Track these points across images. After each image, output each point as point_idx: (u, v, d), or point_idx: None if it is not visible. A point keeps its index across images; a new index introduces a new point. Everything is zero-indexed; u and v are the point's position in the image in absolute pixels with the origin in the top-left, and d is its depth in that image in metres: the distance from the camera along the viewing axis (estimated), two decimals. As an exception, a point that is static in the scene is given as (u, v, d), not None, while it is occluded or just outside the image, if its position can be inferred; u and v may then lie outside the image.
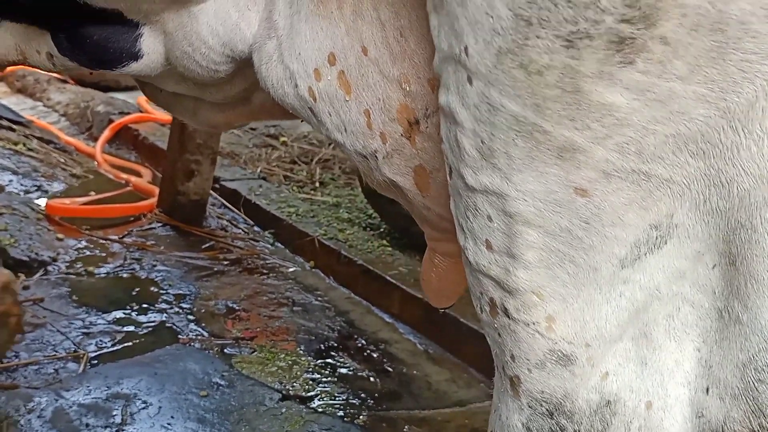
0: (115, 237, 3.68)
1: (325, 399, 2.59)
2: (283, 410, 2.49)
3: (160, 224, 3.90)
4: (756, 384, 0.66)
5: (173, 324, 2.97)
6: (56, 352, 2.66)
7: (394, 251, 3.57)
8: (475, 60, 0.66)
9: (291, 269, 3.55)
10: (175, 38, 0.97)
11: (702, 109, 0.61)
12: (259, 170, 4.63)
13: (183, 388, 2.56)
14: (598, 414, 0.72)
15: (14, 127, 4.88)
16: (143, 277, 3.33)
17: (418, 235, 3.95)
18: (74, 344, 2.71)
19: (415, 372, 2.82)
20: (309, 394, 2.60)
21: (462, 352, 2.92)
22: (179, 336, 2.89)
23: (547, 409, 0.73)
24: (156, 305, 3.10)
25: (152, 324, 2.95)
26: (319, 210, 4.05)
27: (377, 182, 0.92)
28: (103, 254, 3.51)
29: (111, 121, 5.24)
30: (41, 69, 1.10)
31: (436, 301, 1.03)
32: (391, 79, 0.83)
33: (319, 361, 2.82)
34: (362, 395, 2.63)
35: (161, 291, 3.23)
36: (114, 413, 2.40)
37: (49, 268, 3.23)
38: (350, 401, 2.59)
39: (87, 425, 2.35)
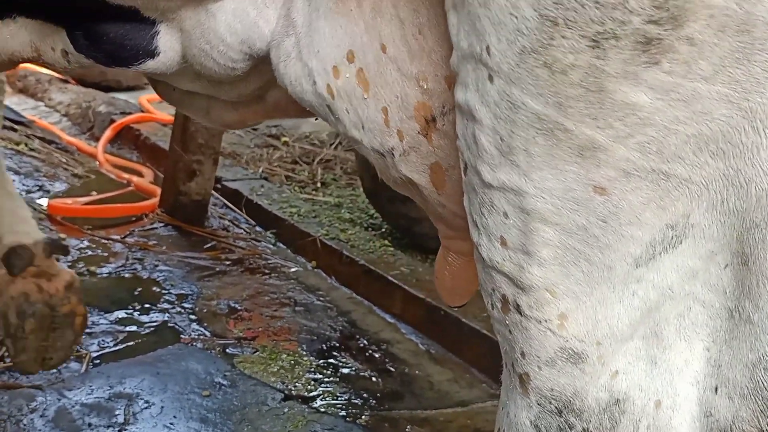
0: (117, 237, 3.69)
1: (327, 399, 2.59)
2: (286, 410, 2.50)
3: (161, 224, 3.90)
4: (765, 383, 0.67)
5: (175, 324, 2.97)
6: (58, 351, 2.66)
7: (395, 251, 3.57)
8: (497, 59, 0.66)
9: (293, 269, 3.56)
10: (192, 36, 0.97)
11: (724, 109, 0.62)
12: (260, 170, 4.63)
13: (185, 387, 2.56)
14: (607, 412, 0.72)
15: (16, 127, 4.89)
16: (145, 277, 3.34)
17: (419, 235, 3.96)
18: (76, 344, 2.71)
19: (417, 372, 2.82)
20: (311, 394, 2.61)
21: (464, 352, 2.92)
22: (181, 336, 2.89)
23: (556, 407, 0.73)
24: (158, 305, 3.10)
25: (154, 324, 2.96)
26: (320, 210, 4.05)
27: (393, 180, 0.93)
28: (105, 254, 3.52)
29: (112, 121, 5.24)
30: (56, 66, 1.10)
31: (450, 299, 1.03)
32: (409, 77, 0.83)
33: (321, 361, 2.82)
34: (364, 395, 2.64)
35: (163, 291, 3.23)
36: (116, 413, 2.40)
37: (51, 267, 3.22)
38: (352, 401, 2.59)
39: (89, 425, 2.35)
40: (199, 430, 2.36)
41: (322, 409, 2.52)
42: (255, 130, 5.47)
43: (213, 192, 4.09)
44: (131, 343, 2.80)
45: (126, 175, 4.48)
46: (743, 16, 0.59)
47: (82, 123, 5.53)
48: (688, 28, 0.60)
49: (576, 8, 0.62)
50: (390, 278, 3.27)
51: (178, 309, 3.09)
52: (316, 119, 1.00)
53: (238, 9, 0.93)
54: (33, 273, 2.24)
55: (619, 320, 0.70)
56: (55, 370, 2.53)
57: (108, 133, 5.07)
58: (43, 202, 3.85)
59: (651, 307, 0.70)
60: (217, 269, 3.49)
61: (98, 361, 2.65)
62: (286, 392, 2.59)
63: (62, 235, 3.62)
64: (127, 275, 3.34)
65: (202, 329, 2.96)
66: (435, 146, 0.85)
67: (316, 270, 3.57)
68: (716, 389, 0.69)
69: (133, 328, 2.91)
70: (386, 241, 3.69)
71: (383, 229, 3.91)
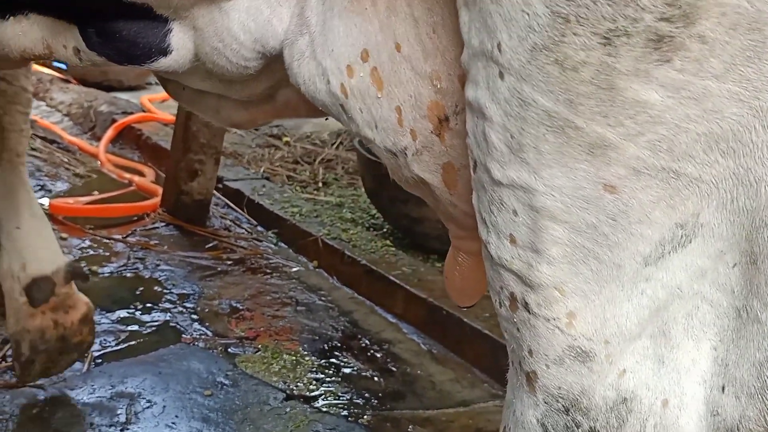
0: (119, 236, 3.69)
1: (329, 399, 2.59)
2: (288, 410, 2.50)
3: (163, 224, 3.91)
4: None
5: (177, 323, 2.98)
6: (61, 350, 2.65)
7: (397, 251, 3.57)
8: (508, 56, 0.66)
9: (294, 269, 3.56)
10: (205, 34, 0.97)
11: (735, 107, 0.62)
12: (262, 170, 4.63)
13: (187, 387, 2.56)
14: (614, 411, 0.72)
15: (17, 126, 4.88)
16: (147, 277, 3.34)
17: (421, 235, 3.96)
18: (78, 343, 2.71)
19: (418, 372, 2.82)
20: (313, 393, 2.61)
21: (466, 352, 2.92)
22: (183, 335, 2.89)
23: (563, 406, 0.73)
24: (160, 305, 3.10)
25: (156, 323, 2.96)
26: (322, 210, 4.05)
27: (405, 180, 0.93)
28: (107, 254, 3.52)
29: (114, 121, 5.25)
30: (68, 63, 1.10)
31: (460, 299, 1.03)
32: (423, 76, 0.83)
33: (323, 360, 2.82)
34: (366, 395, 2.64)
35: (165, 290, 3.23)
36: (118, 412, 2.40)
37: (53, 267, 3.22)
38: (354, 401, 2.59)
39: (91, 424, 2.35)
40: (201, 429, 2.36)
41: (324, 409, 2.52)
42: (256, 130, 5.47)
43: (215, 192, 4.09)
44: (133, 343, 2.80)
45: (127, 175, 4.49)
46: (755, 15, 0.59)
47: (83, 123, 5.53)
48: (700, 25, 0.60)
49: (588, 5, 0.62)
50: (392, 278, 3.27)
51: (180, 308, 3.09)
52: (327, 119, 1.00)
53: (252, 7, 0.93)
54: (52, 305, 2.33)
55: (627, 319, 0.70)
56: (56, 369, 2.53)
57: (109, 133, 5.07)
58: (45, 201, 3.85)
59: (659, 306, 0.70)
60: (219, 269, 3.49)
61: (100, 361, 2.65)
62: (287, 392, 2.59)
63: (64, 235, 3.62)
64: (128, 275, 3.34)
65: (203, 329, 2.96)
66: (448, 146, 0.85)
67: (317, 270, 3.57)
68: (723, 388, 0.69)
69: (135, 327, 2.91)
70: (388, 241, 3.69)
71: (385, 229, 3.91)
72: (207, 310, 3.11)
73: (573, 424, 0.73)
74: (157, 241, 3.71)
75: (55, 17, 1.06)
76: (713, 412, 0.70)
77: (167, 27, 0.99)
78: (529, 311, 0.73)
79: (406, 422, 2.51)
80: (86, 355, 2.58)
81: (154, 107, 5.72)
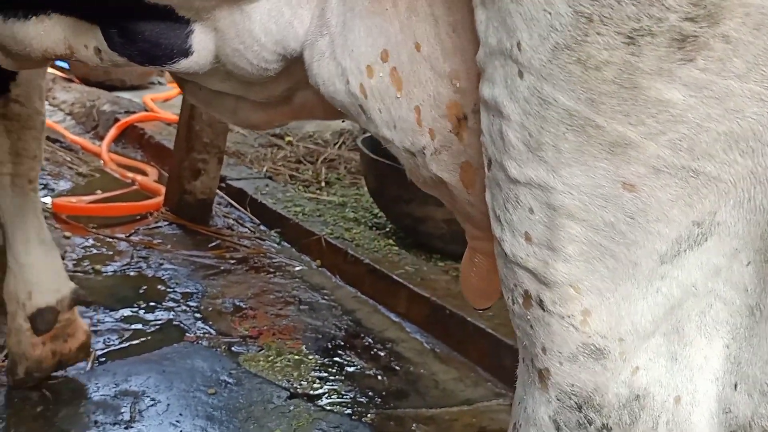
0: (122, 235, 3.69)
1: (332, 397, 2.59)
2: (291, 408, 2.50)
3: (166, 223, 3.91)
4: None
5: (181, 322, 2.98)
6: (64, 349, 2.65)
7: (400, 250, 3.57)
8: (529, 55, 0.67)
9: (297, 268, 3.56)
10: (226, 36, 0.98)
11: (756, 107, 0.62)
12: (264, 169, 4.64)
13: (191, 385, 2.56)
14: (627, 408, 0.72)
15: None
16: (150, 276, 3.34)
17: (424, 234, 3.95)
18: (82, 341, 2.71)
19: (422, 371, 2.82)
20: (317, 392, 2.61)
21: (469, 351, 2.92)
22: (187, 334, 2.89)
23: (576, 403, 0.74)
24: (163, 303, 3.10)
25: (159, 322, 2.96)
26: (325, 209, 4.06)
27: (422, 180, 0.93)
28: (110, 252, 3.52)
29: (117, 120, 5.25)
30: (88, 63, 1.10)
31: (476, 301, 1.03)
32: (442, 75, 0.83)
33: (327, 359, 2.83)
34: (369, 393, 2.64)
35: (168, 289, 3.23)
36: (122, 410, 2.40)
37: (57, 265, 3.22)
38: (358, 399, 2.59)
39: (95, 422, 2.35)
40: (205, 427, 2.36)
41: (328, 407, 2.53)
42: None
43: (217, 191, 4.09)
44: (136, 341, 2.80)
45: (130, 174, 4.49)
46: None
47: (86, 122, 5.54)
48: (724, 25, 0.60)
49: (612, 5, 0.62)
50: (395, 277, 3.27)
51: (184, 307, 3.09)
52: (344, 121, 1.00)
53: (273, 9, 0.93)
54: (52, 334, 2.41)
55: (642, 317, 0.70)
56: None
57: (112, 132, 5.07)
58: (48, 200, 3.85)
59: (674, 304, 0.70)
60: (222, 268, 3.49)
61: (104, 359, 2.65)
62: (291, 390, 2.59)
63: (67, 233, 3.63)
64: (132, 273, 3.34)
65: (207, 327, 2.96)
66: (466, 145, 0.85)
67: (320, 269, 3.57)
68: (736, 386, 0.70)
69: (139, 326, 2.91)
70: (391, 241, 3.69)
71: (387, 229, 3.91)
72: (210, 308, 3.11)
73: (586, 421, 0.73)
74: (160, 240, 3.71)
75: (77, 17, 1.07)
76: (726, 409, 0.70)
77: (189, 28, 1.00)
78: (543, 309, 0.73)
79: (410, 421, 2.51)
80: (89, 354, 2.59)
81: (157, 107, 5.72)
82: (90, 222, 3.77)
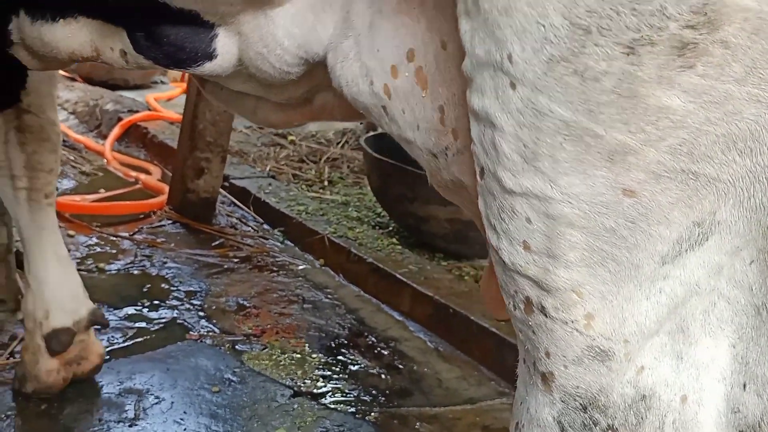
0: (126, 234, 3.70)
1: (336, 395, 2.59)
2: (295, 406, 2.50)
3: (170, 222, 3.91)
4: None
5: (184, 320, 2.98)
6: (69, 347, 2.65)
7: (403, 249, 3.57)
8: (521, 67, 0.67)
9: (301, 267, 3.56)
10: (250, 40, 0.99)
11: (754, 108, 0.63)
12: (267, 169, 4.64)
13: (195, 383, 2.57)
14: (632, 408, 0.72)
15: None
16: (154, 274, 3.35)
17: (427, 234, 3.95)
18: (86, 340, 2.71)
19: (425, 369, 2.82)
20: (320, 390, 2.61)
21: (472, 350, 2.92)
22: (190, 332, 2.90)
23: (581, 404, 0.74)
24: (167, 302, 3.11)
25: (163, 320, 2.96)
26: (328, 208, 4.06)
27: (443, 184, 0.93)
28: (114, 251, 3.53)
29: (120, 119, 5.26)
30: (113, 65, 1.12)
31: (497, 311, 1.02)
32: None
33: (330, 358, 2.83)
34: (373, 392, 2.64)
35: (172, 288, 3.24)
36: (127, 408, 2.41)
37: (61, 264, 3.23)
38: (361, 398, 2.60)
39: (99, 420, 2.36)
40: (209, 425, 2.37)
41: (332, 406, 2.53)
42: (261, 128, 5.48)
43: (221, 190, 4.10)
44: (140, 339, 2.81)
45: (134, 173, 4.49)
46: None
47: (89, 121, 5.54)
48: (723, 31, 0.60)
49: (611, 16, 0.62)
50: (398, 276, 3.27)
51: (187, 306, 3.10)
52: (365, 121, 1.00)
53: (298, 14, 0.94)
54: (67, 357, 2.40)
55: (646, 317, 0.70)
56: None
57: (115, 131, 5.08)
58: (52, 199, 3.85)
59: (677, 303, 0.71)
60: (226, 266, 3.50)
61: (108, 357, 2.65)
62: (295, 389, 2.60)
63: (71, 232, 3.63)
64: (135, 272, 3.35)
65: (211, 326, 2.97)
66: None
67: (323, 268, 3.58)
68: (744, 386, 0.70)
69: (143, 324, 2.91)
70: (394, 240, 3.69)
71: (390, 228, 3.92)
72: (214, 307, 3.11)
73: (591, 422, 0.73)
74: (163, 239, 3.71)
75: (104, 21, 1.08)
76: (734, 409, 0.70)
77: (213, 32, 1.01)
78: (545, 315, 0.73)
79: (413, 419, 2.52)
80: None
81: (160, 106, 5.73)
82: (93, 220, 3.77)
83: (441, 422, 2.53)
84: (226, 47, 1.01)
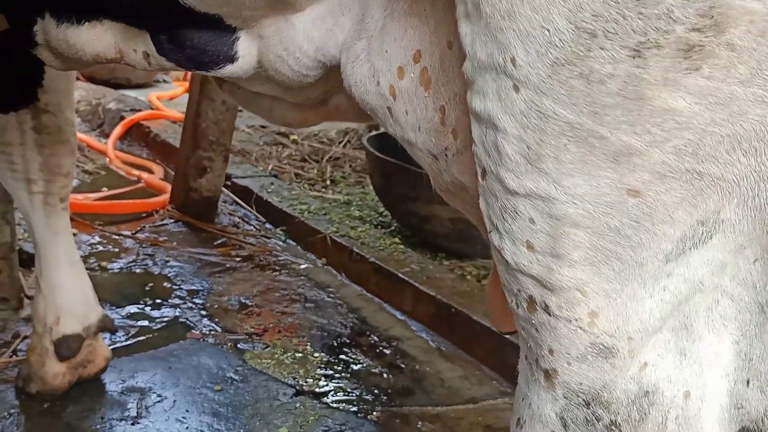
0: (128, 233, 3.70)
1: (338, 395, 2.60)
2: (297, 405, 2.50)
3: (172, 220, 3.92)
4: None
5: (187, 319, 2.99)
6: (71, 345, 2.66)
7: (406, 249, 3.58)
8: (525, 70, 0.67)
9: (303, 266, 3.57)
10: (270, 43, 1.00)
11: (759, 109, 0.63)
12: (270, 168, 4.65)
13: (197, 382, 2.57)
14: (636, 404, 0.72)
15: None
16: (156, 273, 3.35)
17: (429, 233, 3.95)
18: (89, 338, 2.71)
19: (427, 369, 2.83)
20: (322, 389, 2.61)
21: (474, 349, 2.93)
22: (192, 331, 2.90)
23: (584, 400, 0.74)
24: (169, 300, 3.11)
25: (166, 319, 2.97)
26: (330, 208, 4.06)
27: (444, 186, 0.93)
28: (116, 249, 3.53)
29: (122, 118, 5.27)
30: (136, 67, 1.13)
31: (503, 324, 1.01)
32: None
33: (332, 357, 2.83)
34: (375, 391, 2.64)
35: (174, 286, 3.24)
36: (129, 406, 2.41)
37: (63, 262, 3.23)
38: (363, 397, 2.60)
39: (102, 418, 2.36)
40: (211, 424, 2.37)
41: (334, 405, 2.53)
42: (264, 128, 5.49)
43: (223, 189, 4.10)
44: (143, 338, 2.81)
45: (136, 172, 4.50)
46: None
47: (92, 120, 5.55)
48: (729, 33, 0.61)
49: (617, 20, 0.62)
50: (400, 275, 3.27)
51: (189, 304, 3.10)
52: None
53: (317, 18, 0.95)
54: (74, 361, 2.40)
55: (650, 315, 0.71)
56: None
57: (118, 130, 5.09)
58: (55, 197, 3.85)
59: (681, 301, 0.71)
60: (228, 265, 3.50)
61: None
62: (297, 387, 2.60)
63: (73, 231, 3.63)
64: (138, 271, 3.35)
65: (213, 324, 2.97)
66: None
67: (326, 267, 3.58)
68: (748, 382, 0.70)
69: (145, 322, 2.92)
70: (396, 239, 3.70)
71: (393, 227, 3.92)
72: (216, 306, 3.12)
73: (593, 418, 0.74)
74: (166, 238, 3.72)
75: (128, 24, 1.09)
76: (737, 405, 0.71)
77: (235, 36, 1.02)
78: (549, 313, 0.73)
79: (416, 419, 2.52)
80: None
81: (162, 105, 5.74)
82: (96, 219, 3.77)
83: (443, 421, 2.53)
84: (247, 50, 1.03)
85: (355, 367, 2.78)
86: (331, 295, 3.32)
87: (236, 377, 2.63)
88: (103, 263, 3.36)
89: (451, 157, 0.87)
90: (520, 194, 0.71)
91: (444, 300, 3.07)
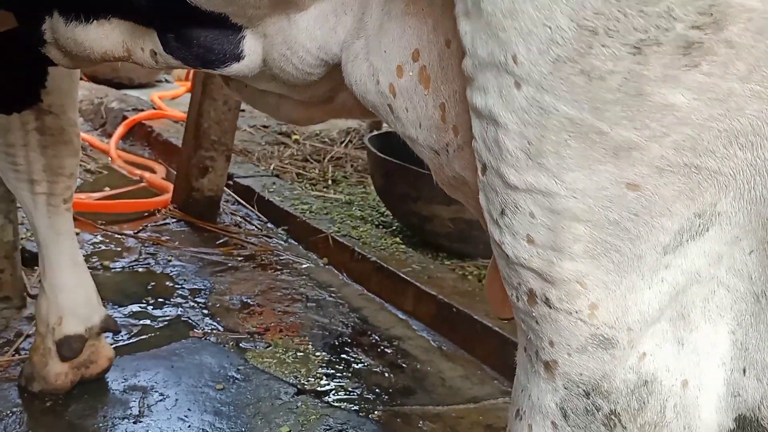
0: (130, 232, 3.71)
1: (339, 394, 2.60)
2: (299, 404, 2.51)
3: (174, 220, 3.93)
4: None
5: (189, 318, 2.99)
6: (74, 344, 2.67)
7: (407, 249, 3.58)
8: (527, 67, 0.68)
9: (304, 265, 3.57)
10: (274, 41, 1.01)
11: (756, 104, 0.64)
12: (272, 167, 4.66)
13: (199, 381, 2.58)
14: (635, 393, 0.74)
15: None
16: (158, 272, 3.36)
17: (431, 233, 3.96)
18: (91, 337, 2.72)
19: (428, 368, 2.83)
20: (324, 388, 2.62)
21: (475, 349, 2.93)
22: (195, 330, 2.91)
23: (584, 390, 0.75)
24: (171, 299, 3.12)
25: (168, 318, 2.98)
26: (331, 207, 4.07)
27: (447, 181, 0.94)
28: (119, 249, 3.54)
29: (125, 118, 5.28)
30: (143, 65, 1.14)
31: (501, 310, 1.03)
32: None
33: (334, 356, 2.84)
34: (377, 390, 2.65)
35: (176, 286, 3.25)
36: (131, 405, 2.42)
37: (66, 261, 3.24)
38: (365, 396, 2.61)
39: (104, 416, 2.37)
40: (213, 422, 2.38)
41: (335, 404, 2.54)
42: (266, 127, 5.50)
43: (225, 188, 4.11)
44: (145, 337, 2.82)
45: (138, 171, 4.51)
46: None
47: (94, 119, 5.56)
48: (728, 31, 0.62)
49: (618, 18, 0.63)
50: (402, 275, 3.28)
51: (192, 303, 3.11)
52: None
53: (320, 17, 0.96)
54: (77, 362, 2.41)
55: (648, 306, 0.72)
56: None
57: (120, 130, 5.10)
58: (57, 196, 3.86)
59: (678, 291, 0.72)
60: (230, 265, 3.51)
61: (113, 354, 2.67)
62: (298, 387, 2.61)
63: (76, 230, 3.64)
64: (140, 270, 3.36)
65: (215, 324, 2.98)
66: None
67: (327, 266, 3.59)
68: (744, 371, 0.71)
69: (147, 321, 2.93)
70: (397, 239, 3.70)
71: (394, 227, 3.93)
72: (218, 305, 3.13)
73: (593, 407, 0.75)
74: (168, 237, 3.73)
75: (135, 22, 1.10)
76: (734, 393, 0.72)
77: (241, 34, 1.03)
78: (549, 306, 0.74)
79: (417, 418, 2.53)
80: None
81: (165, 104, 5.75)
82: (98, 218, 3.78)
83: (444, 421, 2.54)
84: (252, 49, 1.04)
85: (357, 367, 2.79)
86: (333, 295, 3.33)
87: (238, 376, 2.64)
88: (106, 262, 3.37)
89: (452, 152, 0.88)
90: (520, 189, 0.72)
91: (445, 300, 3.07)
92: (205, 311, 3.06)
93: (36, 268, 3.01)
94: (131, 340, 2.79)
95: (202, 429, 2.34)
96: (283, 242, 3.81)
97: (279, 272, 3.48)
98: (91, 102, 5.71)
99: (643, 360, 0.73)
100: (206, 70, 1.08)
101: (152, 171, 4.55)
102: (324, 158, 4.94)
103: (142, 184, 4.36)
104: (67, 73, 2.13)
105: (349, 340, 2.97)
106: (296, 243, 3.80)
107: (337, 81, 1.04)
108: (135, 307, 3.02)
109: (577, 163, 0.68)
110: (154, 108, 5.59)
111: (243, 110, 5.12)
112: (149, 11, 1.07)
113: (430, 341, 3.02)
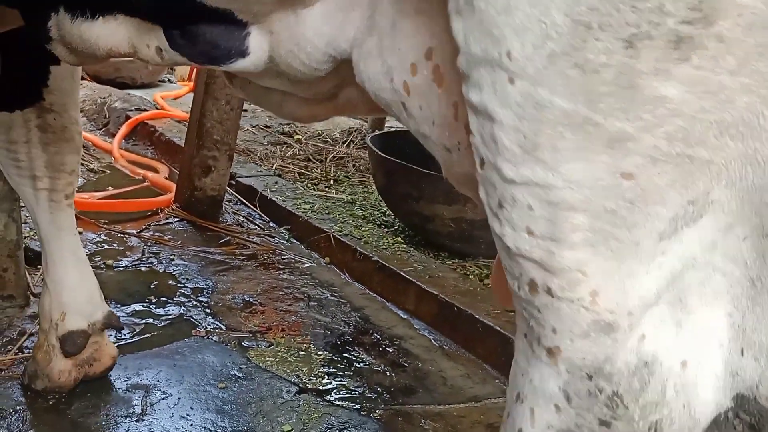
0: (133, 231, 3.72)
1: (341, 393, 2.61)
2: (301, 403, 2.52)
3: (177, 219, 3.94)
4: None
5: (191, 317, 3.01)
6: (77, 342, 2.68)
7: (409, 248, 3.59)
8: (521, 63, 0.69)
9: (306, 265, 3.59)
10: (281, 38, 1.01)
11: (746, 97, 0.66)
12: (274, 167, 4.67)
13: (202, 379, 2.59)
14: (636, 374, 0.75)
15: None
16: (161, 271, 3.37)
17: (432, 233, 3.97)
18: (94, 335, 2.73)
19: (430, 367, 2.84)
20: (325, 387, 2.63)
21: (477, 348, 2.94)
22: (197, 329, 2.92)
23: (587, 374, 0.77)
24: (174, 298, 3.13)
25: (170, 317, 2.99)
26: (333, 207, 4.08)
27: (457, 177, 0.95)
28: (122, 248, 3.55)
29: (128, 118, 5.29)
30: (149, 62, 1.14)
31: (508, 302, 1.05)
32: None
33: (335, 355, 2.85)
34: (378, 389, 2.66)
35: (179, 285, 3.26)
36: (134, 403, 2.43)
37: (69, 260, 3.25)
38: (366, 395, 2.62)
39: (107, 415, 2.38)
40: (215, 421, 2.39)
41: (337, 403, 2.55)
42: (268, 127, 5.51)
43: (227, 188, 4.12)
44: (148, 336, 2.83)
45: (141, 171, 4.52)
46: None
47: (97, 119, 5.58)
48: (718, 26, 0.63)
49: (611, 13, 0.65)
50: (403, 274, 3.29)
51: (194, 302, 3.12)
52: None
53: (327, 13, 0.96)
54: (80, 359, 2.42)
55: (648, 290, 0.74)
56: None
57: (123, 129, 5.11)
58: (60, 196, 3.88)
59: (675, 276, 0.74)
60: (232, 264, 3.52)
61: (115, 353, 2.68)
62: (300, 385, 2.62)
63: (79, 229, 3.65)
64: (143, 269, 3.37)
65: (217, 323, 2.99)
66: None
67: (329, 266, 3.60)
68: (742, 351, 0.73)
69: (150, 320, 2.94)
70: (399, 239, 3.71)
71: (396, 227, 3.94)
72: (220, 304, 3.14)
73: (596, 390, 0.76)
74: (170, 236, 3.74)
75: (141, 19, 1.10)
76: (733, 373, 0.74)
77: (246, 30, 1.03)
78: (551, 295, 0.75)
79: (418, 417, 2.53)
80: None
81: (167, 104, 5.76)
82: (101, 218, 3.80)
83: (445, 420, 2.54)
84: (258, 45, 1.04)
85: (358, 366, 2.80)
86: (335, 294, 3.34)
87: (240, 375, 2.65)
88: (109, 261, 3.39)
89: (464, 150, 0.89)
90: (517, 182, 0.74)
91: (447, 299, 3.08)
92: (208, 310, 3.07)
93: (39, 267, 3.03)
94: (134, 339, 2.80)
95: (205, 427, 2.35)
96: (285, 242, 3.82)
97: (281, 271, 3.49)
98: (94, 102, 5.72)
99: (643, 342, 0.75)
100: (212, 66, 1.08)
101: (155, 170, 4.57)
102: (326, 158, 4.95)
103: (145, 184, 4.37)
104: (69, 72, 2.15)
105: (351, 339, 2.98)
106: (298, 242, 3.81)
107: (342, 77, 1.05)
108: (138, 306, 3.03)
109: (573, 155, 0.70)
110: (157, 108, 5.61)
111: (245, 110, 5.13)
112: (155, 8, 1.07)
113: (432, 340, 3.03)
